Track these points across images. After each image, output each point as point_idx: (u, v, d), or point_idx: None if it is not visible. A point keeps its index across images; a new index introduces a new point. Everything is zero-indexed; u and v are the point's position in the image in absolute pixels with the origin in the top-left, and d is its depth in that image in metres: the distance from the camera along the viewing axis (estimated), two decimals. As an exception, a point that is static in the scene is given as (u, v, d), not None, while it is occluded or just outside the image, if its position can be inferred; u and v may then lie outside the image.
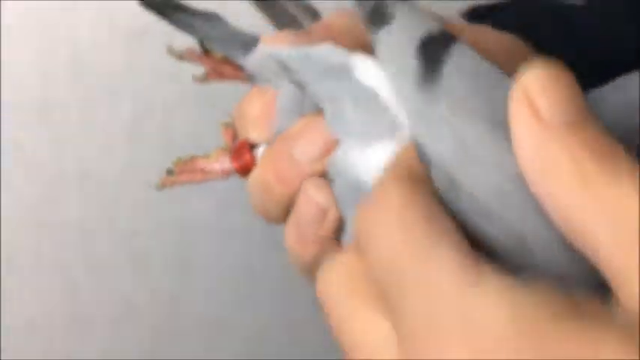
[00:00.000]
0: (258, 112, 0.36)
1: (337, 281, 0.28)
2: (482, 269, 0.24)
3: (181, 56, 0.42)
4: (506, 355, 0.23)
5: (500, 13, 0.45)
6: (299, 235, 0.33)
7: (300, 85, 0.36)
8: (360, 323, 0.27)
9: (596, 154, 0.24)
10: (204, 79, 0.43)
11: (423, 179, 0.28)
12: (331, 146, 0.34)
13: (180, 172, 0.45)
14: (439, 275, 0.24)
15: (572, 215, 0.24)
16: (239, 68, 0.41)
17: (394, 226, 0.26)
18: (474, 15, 0.45)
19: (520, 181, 0.26)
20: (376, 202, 0.27)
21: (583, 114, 0.25)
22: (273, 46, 0.37)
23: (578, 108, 0.25)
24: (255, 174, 0.36)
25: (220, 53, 0.42)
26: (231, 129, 0.41)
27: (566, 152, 0.24)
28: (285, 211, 0.34)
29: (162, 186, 0.45)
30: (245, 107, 0.37)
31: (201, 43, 0.42)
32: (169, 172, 0.45)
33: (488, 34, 0.39)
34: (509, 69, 0.30)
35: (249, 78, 0.41)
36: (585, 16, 0.45)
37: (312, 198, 0.33)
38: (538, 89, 0.25)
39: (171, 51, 0.42)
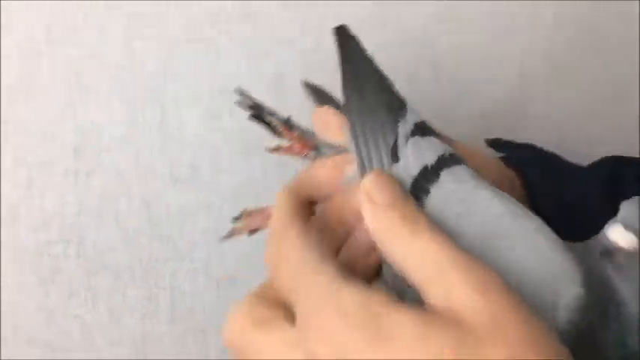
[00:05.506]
0: (327, 173, 0.49)
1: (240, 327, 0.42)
2: (342, 280, 0.39)
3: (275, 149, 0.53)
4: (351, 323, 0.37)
5: (516, 148, 0.62)
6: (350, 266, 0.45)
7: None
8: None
9: (405, 219, 0.40)
10: (275, 150, 0.53)
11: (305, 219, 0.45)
12: None
13: (248, 216, 0.52)
14: (320, 283, 0.39)
15: (394, 256, 0.40)
16: (307, 146, 0.52)
17: (293, 254, 0.42)
18: (495, 144, 0.62)
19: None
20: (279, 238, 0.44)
21: (398, 198, 0.42)
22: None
23: (395, 194, 0.42)
24: (319, 219, 0.48)
25: (298, 131, 0.52)
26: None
27: (387, 219, 0.41)
28: (336, 249, 0.46)
29: (230, 235, 0.53)
30: (316, 170, 0.50)
31: (286, 121, 0.53)
32: (236, 218, 0.53)
33: (481, 157, 0.55)
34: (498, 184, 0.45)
35: (313, 155, 0.52)
36: (575, 177, 0.61)
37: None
38: (371, 185, 0.42)
39: (267, 148, 0.53)
